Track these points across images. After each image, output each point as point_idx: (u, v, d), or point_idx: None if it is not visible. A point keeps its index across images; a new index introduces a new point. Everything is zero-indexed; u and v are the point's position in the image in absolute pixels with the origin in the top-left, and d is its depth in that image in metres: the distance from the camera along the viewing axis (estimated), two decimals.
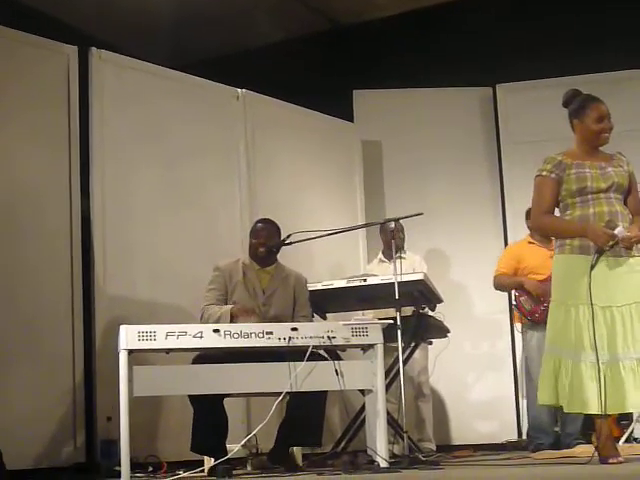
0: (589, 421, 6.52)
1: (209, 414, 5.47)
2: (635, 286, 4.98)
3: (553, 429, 6.83)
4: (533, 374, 6.77)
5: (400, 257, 7.19)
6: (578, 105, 5.19)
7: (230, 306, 5.72)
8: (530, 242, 7.10)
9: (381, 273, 6.99)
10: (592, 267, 4.92)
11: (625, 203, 5.13)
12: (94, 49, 6.70)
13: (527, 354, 6.98)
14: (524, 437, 7.98)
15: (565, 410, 5.06)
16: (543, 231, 5.44)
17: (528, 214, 7.27)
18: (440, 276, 7.74)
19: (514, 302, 7.10)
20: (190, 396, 5.45)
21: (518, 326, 7.20)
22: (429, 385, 7.67)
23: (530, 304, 6.87)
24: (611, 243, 4.92)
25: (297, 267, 6.26)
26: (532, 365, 6.82)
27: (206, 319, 5.75)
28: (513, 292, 7.20)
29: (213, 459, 5.43)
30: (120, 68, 6.85)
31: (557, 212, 5.26)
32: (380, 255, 7.69)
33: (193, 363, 5.54)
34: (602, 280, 4.94)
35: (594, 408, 4.86)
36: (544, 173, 5.14)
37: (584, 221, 5.03)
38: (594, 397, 4.85)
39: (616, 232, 4.91)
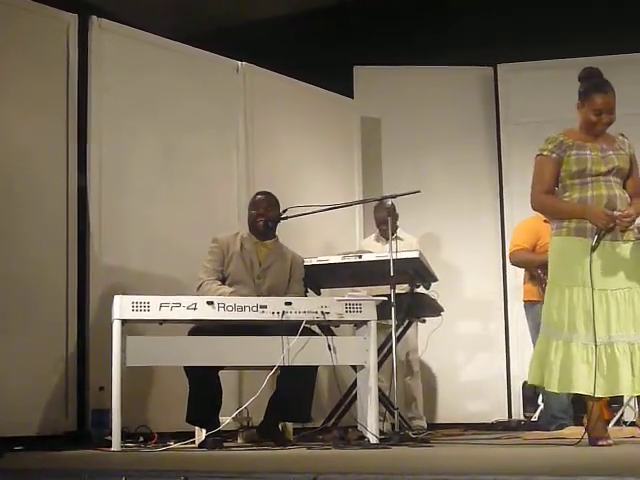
0: (579, 403, 6.60)
1: (205, 386, 5.48)
2: (629, 270, 4.99)
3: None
4: None
5: (397, 238, 7.20)
6: (583, 90, 5.11)
7: (231, 289, 5.72)
8: (545, 220, 7.08)
9: (378, 250, 6.99)
10: (593, 249, 4.90)
11: (624, 186, 5.12)
12: (94, 17, 6.67)
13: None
14: (514, 417, 8.03)
15: (555, 390, 5.07)
16: (541, 211, 5.44)
17: None
18: (435, 255, 7.77)
19: (536, 278, 6.99)
20: (186, 367, 5.47)
21: (518, 305, 7.22)
22: (419, 362, 7.69)
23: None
24: (611, 225, 4.91)
25: (293, 241, 6.27)
26: None
27: (204, 292, 5.73)
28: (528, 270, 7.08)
29: (204, 431, 5.46)
30: (120, 37, 6.82)
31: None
32: (377, 232, 7.68)
33: (189, 335, 5.55)
34: (598, 263, 4.94)
35: (583, 389, 4.88)
36: (545, 153, 5.10)
37: (583, 203, 5.02)
38: (584, 378, 4.86)
39: (615, 214, 4.90)
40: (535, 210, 5.55)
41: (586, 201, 5.01)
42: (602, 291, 4.94)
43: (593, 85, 5.10)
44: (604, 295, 4.94)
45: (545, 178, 5.12)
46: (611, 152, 5.07)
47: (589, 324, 4.89)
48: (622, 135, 5.21)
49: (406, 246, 7.28)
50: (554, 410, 6.91)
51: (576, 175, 5.04)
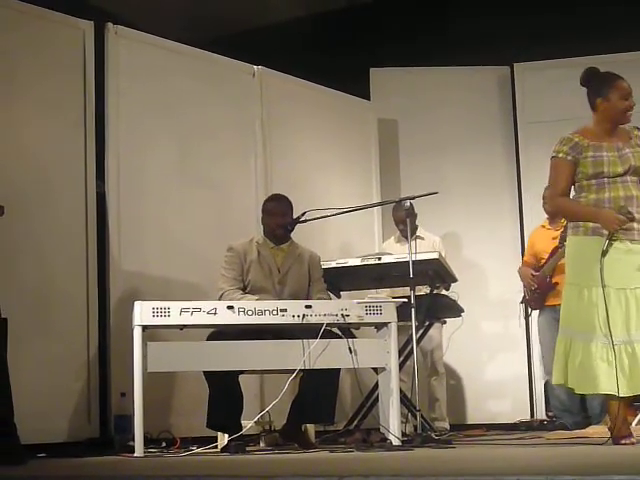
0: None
1: (225, 391, 5.48)
2: None
3: (578, 409, 6.91)
4: (542, 354, 7.06)
5: (418, 237, 7.21)
6: (601, 83, 5.09)
7: (254, 297, 5.69)
8: (543, 226, 7.20)
9: (398, 252, 6.97)
10: (603, 253, 4.88)
11: None
12: (110, 25, 6.69)
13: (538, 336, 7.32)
14: (536, 417, 8.02)
15: (576, 391, 5.08)
16: (558, 213, 5.47)
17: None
18: (455, 256, 7.75)
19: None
20: (205, 372, 5.47)
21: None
22: (443, 363, 7.68)
23: (527, 292, 7.11)
24: (626, 226, 4.89)
25: (312, 245, 6.26)
26: (541, 346, 7.29)
27: None
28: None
29: (227, 435, 5.46)
30: (136, 44, 6.84)
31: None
32: (398, 234, 7.66)
33: (208, 339, 5.55)
34: (616, 262, 4.90)
35: (605, 388, 4.85)
36: (560, 155, 5.06)
37: (598, 206, 4.99)
38: (605, 377, 4.84)
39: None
40: (550, 211, 5.59)
41: (603, 202, 4.98)
42: (621, 290, 4.91)
43: (608, 76, 5.10)
44: (623, 294, 4.91)
45: (561, 181, 5.09)
46: (627, 150, 5.04)
47: (607, 324, 4.86)
48: (637, 128, 5.17)
49: (428, 245, 7.28)
50: (553, 409, 7.05)
51: (592, 177, 5.01)
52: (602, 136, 5.08)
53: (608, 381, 4.84)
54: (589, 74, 5.17)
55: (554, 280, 6.95)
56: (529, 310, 7.34)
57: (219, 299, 5.74)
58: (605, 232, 4.92)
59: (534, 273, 7.11)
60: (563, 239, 6.87)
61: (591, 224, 4.99)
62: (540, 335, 7.23)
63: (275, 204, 6.07)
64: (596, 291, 4.92)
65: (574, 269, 5.08)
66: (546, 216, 7.26)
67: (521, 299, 7.45)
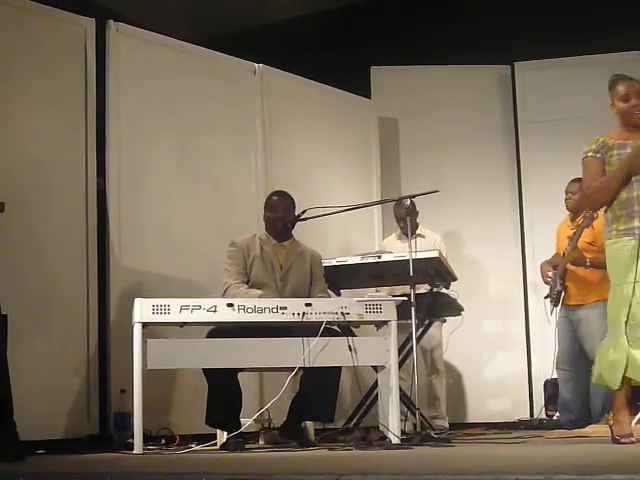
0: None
1: (224, 388, 5.48)
2: None
3: (580, 409, 6.89)
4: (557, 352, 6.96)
5: (419, 235, 7.20)
6: (609, 89, 5.21)
7: (260, 292, 5.71)
8: (566, 221, 7.15)
9: (399, 249, 6.97)
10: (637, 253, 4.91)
11: None
12: (111, 22, 6.69)
13: None
14: (536, 416, 8.01)
15: (611, 387, 5.11)
16: (594, 199, 5.38)
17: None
18: (455, 254, 7.76)
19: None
20: (205, 370, 5.47)
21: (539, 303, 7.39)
22: (443, 361, 7.68)
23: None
24: None
25: (312, 243, 6.26)
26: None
27: (231, 296, 5.66)
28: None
29: (226, 433, 5.46)
30: (137, 41, 6.84)
31: None
32: (399, 231, 7.65)
33: (208, 337, 5.55)
34: None
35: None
36: (590, 154, 5.16)
37: (628, 205, 5.00)
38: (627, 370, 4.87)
39: None
40: (586, 205, 5.61)
41: (632, 200, 5.01)
42: None
43: (614, 79, 5.22)
44: None
45: (593, 176, 5.15)
46: None
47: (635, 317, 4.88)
48: None
49: (428, 244, 7.27)
50: (558, 407, 7.01)
51: None
52: (627, 135, 5.15)
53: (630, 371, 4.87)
54: (609, 82, 5.26)
55: (566, 283, 6.93)
56: (551, 307, 7.22)
57: (224, 293, 5.75)
58: (636, 233, 4.94)
59: (553, 271, 7.05)
60: (570, 239, 6.87)
61: (622, 226, 5.02)
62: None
63: (278, 199, 6.08)
64: (627, 288, 4.95)
65: (610, 271, 5.13)
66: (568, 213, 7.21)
67: (545, 294, 7.35)
